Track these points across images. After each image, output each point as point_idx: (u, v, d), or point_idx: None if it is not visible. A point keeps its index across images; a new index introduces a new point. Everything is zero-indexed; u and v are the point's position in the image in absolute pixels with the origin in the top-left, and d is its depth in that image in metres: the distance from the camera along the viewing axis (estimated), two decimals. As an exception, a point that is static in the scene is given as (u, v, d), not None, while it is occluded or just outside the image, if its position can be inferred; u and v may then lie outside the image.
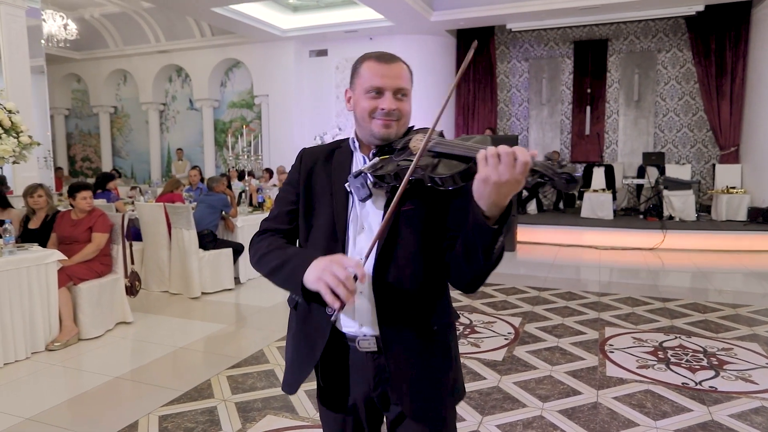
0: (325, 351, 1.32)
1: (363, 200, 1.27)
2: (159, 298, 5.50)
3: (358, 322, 1.31)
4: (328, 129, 10.10)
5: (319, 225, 1.34)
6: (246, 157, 6.60)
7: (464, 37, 10.77)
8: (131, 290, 4.70)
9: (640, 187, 9.98)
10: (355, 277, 1.11)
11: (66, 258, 4.12)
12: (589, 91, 10.84)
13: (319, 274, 1.13)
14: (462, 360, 3.72)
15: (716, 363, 3.62)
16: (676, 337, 4.14)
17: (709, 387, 3.25)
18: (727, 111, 9.33)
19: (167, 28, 11.58)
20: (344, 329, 1.33)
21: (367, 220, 1.30)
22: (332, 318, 1.18)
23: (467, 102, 11.16)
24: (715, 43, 9.30)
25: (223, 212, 5.90)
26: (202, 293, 5.53)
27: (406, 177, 1.13)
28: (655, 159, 9.43)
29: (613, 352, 3.83)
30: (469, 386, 3.24)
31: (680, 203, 8.80)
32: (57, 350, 3.97)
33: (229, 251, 5.75)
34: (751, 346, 3.96)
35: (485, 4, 9.02)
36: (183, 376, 3.56)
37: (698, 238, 8.11)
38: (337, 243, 1.30)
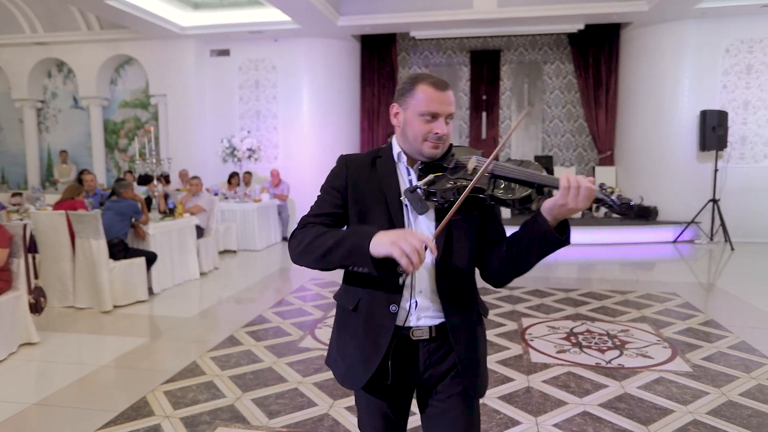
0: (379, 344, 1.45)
1: (422, 213, 1.42)
2: (64, 315, 5.05)
3: (416, 316, 1.47)
4: (236, 132, 9.82)
5: None
6: (154, 160, 6.23)
7: (368, 42, 10.99)
8: (36, 307, 4.29)
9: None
10: (426, 248, 1.25)
11: (-40, 275, 3.69)
12: (484, 97, 11.55)
13: (393, 239, 1.24)
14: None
15: (619, 343, 4.12)
16: (582, 323, 4.62)
17: (618, 364, 3.70)
18: (603, 119, 10.43)
19: (45, 18, 10.53)
20: (401, 323, 1.47)
21: (422, 229, 1.45)
22: (401, 281, 1.34)
23: (372, 106, 11.39)
24: (593, 58, 10.36)
25: (134, 219, 5.56)
26: (114, 306, 5.17)
27: (464, 194, 1.30)
28: (544, 162, 10.30)
29: (533, 340, 4.20)
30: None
31: (567, 202, 9.69)
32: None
33: (141, 260, 5.43)
34: (642, 326, 4.54)
35: (391, 12, 9.29)
36: (114, 396, 3.35)
37: (583, 233, 9.01)
38: None
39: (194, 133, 10.43)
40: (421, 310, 1.47)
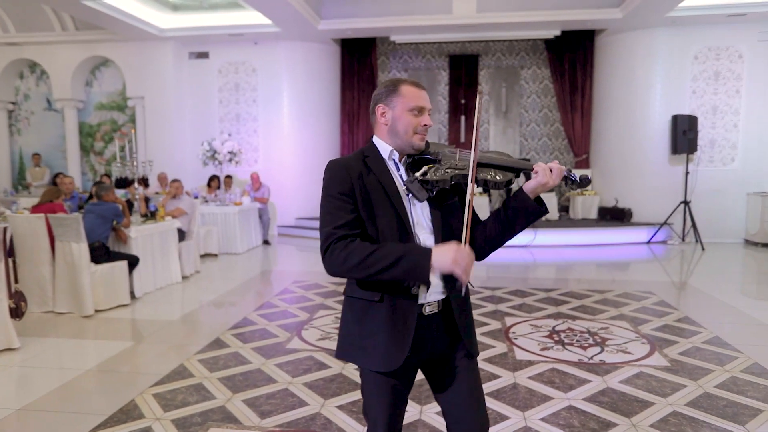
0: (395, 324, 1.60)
1: (421, 201, 1.62)
2: (44, 320, 4.97)
3: (427, 292, 1.63)
4: (216, 135, 9.76)
5: (384, 226, 1.59)
6: (135, 163, 6.16)
7: (348, 46, 11.04)
8: (17, 312, 4.22)
9: (509, 190, 11.00)
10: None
11: (-60, 280, 3.61)
12: (463, 101, 11.69)
13: (452, 258, 1.45)
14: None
15: (600, 340, 4.24)
16: (564, 322, 4.74)
17: (599, 360, 3.82)
18: (579, 123, 10.68)
19: (17, 18, 10.31)
20: (419, 301, 1.63)
21: (419, 216, 1.64)
22: (462, 292, 1.54)
23: (352, 109, 11.45)
24: (568, 64, 10.60)
25: (115, 222, 5.50)
26: (96, 311, 5.10)
27: (471, 183, 1.51)
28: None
29: (517, 338, 4.30)
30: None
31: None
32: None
33: (123, 264, 5.37)
34: (621, 324, 4.68)
35: (372, 16, 9.37)
36: (101, 400, 3.32)
37: (560, 235, 9.20)
38: (408, 238, 1.59)
39: (173, 136, 10.33)
40: (432, 288, 1.63)
